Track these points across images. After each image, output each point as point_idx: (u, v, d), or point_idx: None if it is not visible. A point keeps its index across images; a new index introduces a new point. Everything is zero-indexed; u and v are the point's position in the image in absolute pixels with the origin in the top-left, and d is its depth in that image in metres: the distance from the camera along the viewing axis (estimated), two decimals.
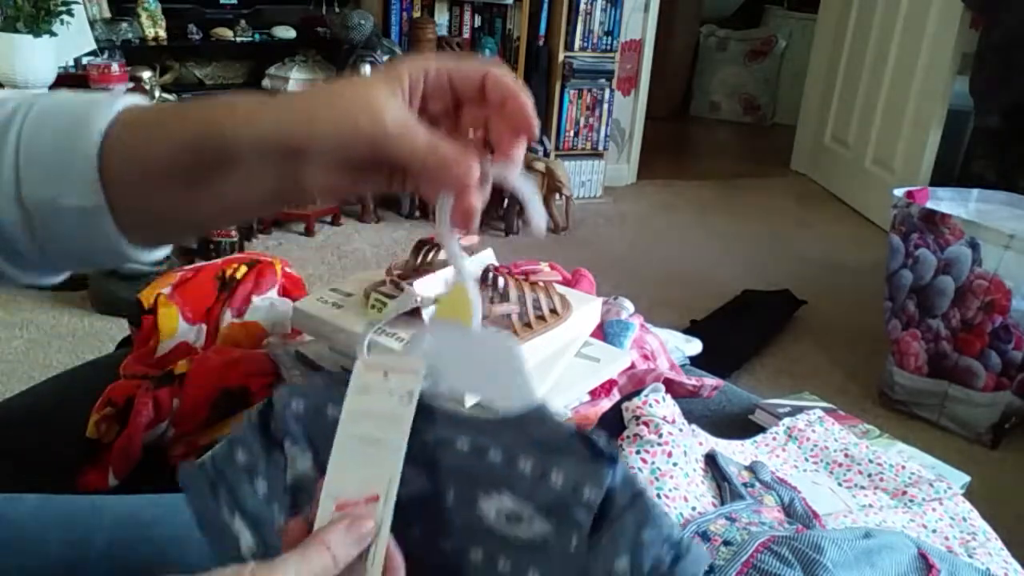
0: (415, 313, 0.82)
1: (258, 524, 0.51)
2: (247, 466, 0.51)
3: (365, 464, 0.45)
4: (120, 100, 0.44)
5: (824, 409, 0.99)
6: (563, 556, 0.46)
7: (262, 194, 0.44)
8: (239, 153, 0.41)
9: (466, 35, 3.38)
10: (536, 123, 0.45)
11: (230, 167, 0.42)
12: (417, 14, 3.29)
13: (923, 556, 0.66)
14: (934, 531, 0.78)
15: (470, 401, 0.54)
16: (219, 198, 0.44)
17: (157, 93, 2.60)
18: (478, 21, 3.41)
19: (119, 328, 1.97)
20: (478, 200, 0.44)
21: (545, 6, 3.41)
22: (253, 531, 0.51)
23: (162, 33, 2.94)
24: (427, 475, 0.49)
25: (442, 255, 0.91)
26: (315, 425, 0.50)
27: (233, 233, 2.57)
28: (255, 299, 1.02)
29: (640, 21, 3.68)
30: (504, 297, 0.86)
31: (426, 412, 0.47)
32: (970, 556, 0.75)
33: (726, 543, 0.66)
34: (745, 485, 0.78)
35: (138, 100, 0.45)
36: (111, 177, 0.43)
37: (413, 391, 0.45)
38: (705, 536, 0.67)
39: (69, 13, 2.40)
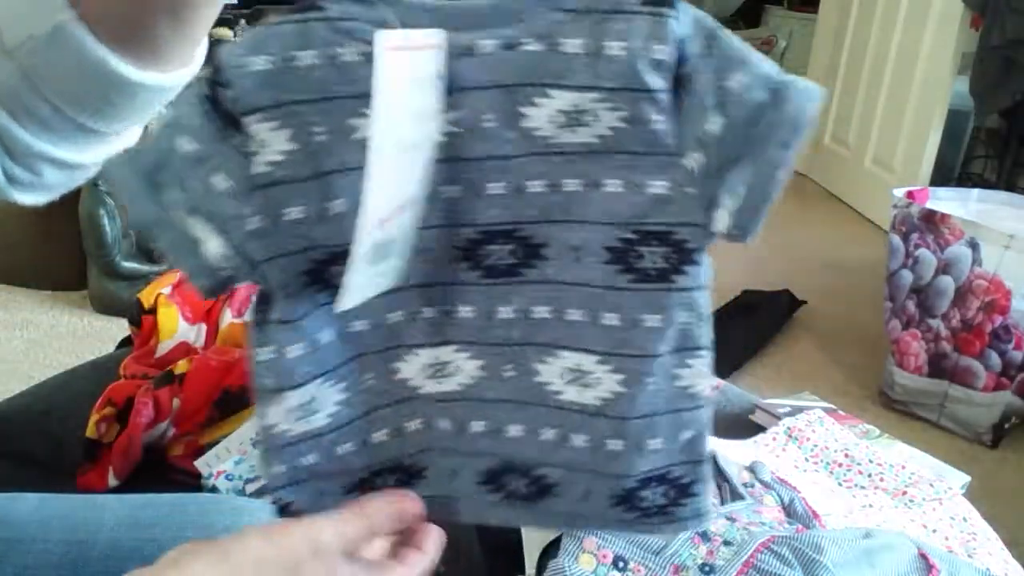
0: None
1: (225, 227, 0.40)
2: (197, 156, 0.39)
3: (399, 173, 0.37)
4: None
5: (824, 409, 0.99)
6: (646, 145, 0.38)
7: None
8: None
9: None
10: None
11: None
12: None
13: (923, 556, 0.66)
14: (934, 531, 0.78)
15: None
16: None
17: None
18: None
19: (119, 328, 1.96)
20: None
21: None
22: (221, 234, 0.40)
23: None
24: (454, 104, 0.38)
25: None
26: (287, 85, 0.38)
27: None
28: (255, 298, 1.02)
29: None
30: None
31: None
32: (970, 556, 0.75)
33: (726, 543, 0.66)
34: (745, 485, 0.78)
35: None
36: None
37: (440, 69, 0.37)
38: (705, 536, 0.67)
39: None
